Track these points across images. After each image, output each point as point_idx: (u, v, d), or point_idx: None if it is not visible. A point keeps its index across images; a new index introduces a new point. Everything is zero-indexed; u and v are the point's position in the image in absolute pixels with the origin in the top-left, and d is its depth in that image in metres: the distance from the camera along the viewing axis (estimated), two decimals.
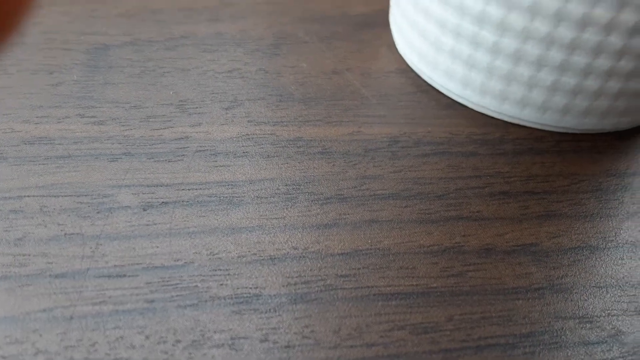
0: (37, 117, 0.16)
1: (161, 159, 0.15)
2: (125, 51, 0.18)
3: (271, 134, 0.16)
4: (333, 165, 0.15)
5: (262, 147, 0.16)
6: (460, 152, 0.16)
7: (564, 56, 0.14)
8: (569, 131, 0.17)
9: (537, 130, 0.17)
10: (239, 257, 0.13)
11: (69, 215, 0.13)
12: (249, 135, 0.16)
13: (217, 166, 0.15)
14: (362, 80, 0.18)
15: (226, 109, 0.17)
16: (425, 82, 0.18)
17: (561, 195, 0.15)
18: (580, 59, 0.14)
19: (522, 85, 0.16)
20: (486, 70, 0.16)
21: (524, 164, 0.16)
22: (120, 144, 0.15)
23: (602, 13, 0.13)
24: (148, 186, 0.14)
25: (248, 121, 0.16)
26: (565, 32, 0.14)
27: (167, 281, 0.12)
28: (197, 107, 0.17)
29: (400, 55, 0.19)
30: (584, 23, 0.14)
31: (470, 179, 0.15)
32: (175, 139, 0.16)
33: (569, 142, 0.17)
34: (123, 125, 0.16)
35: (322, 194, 0.15)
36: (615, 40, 0.14)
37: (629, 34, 0.14)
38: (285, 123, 0.16)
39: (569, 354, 0.12)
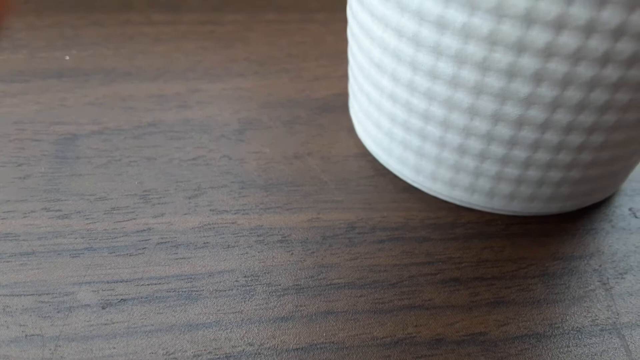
0: (3, 212, 0.16)
1: (122, 253, 0.15)
2: (94, 140, 0.19)
3: (232, 223, 0.17)
4: (292, 254, 0.16)
5: (223, 237, 0.16)
6: (414, 238, 0.17)
7: (505, 150, 0.15)
8: (518, 214, 0.17)
9: (487, 213, 0.18)
10: (194, 356, 0.13)
11: (30, 316, 0.14)
12: (210, 225, 0.16)
13: (177, 259, 0.15)
14: (322, 165, 0.19)
15: (189, 198, 0.17)
16: (383, 165, 0.19)
17: (510, 280, 0.16)
18: (520, 153, 0.15)
19: (469, 174, 0.16)
20: (435, 160, 0.17)
21: (475, 248, 0.16)
22: (83, 238, 0.16)
23: (536, 114, 0.14)
24: (108, 282, 0.15)
25: (210, 210, 0.17)
26: (504, 130, 0.15)
27: None
28: (160, 197, 0.17)
29: (359, 139, 0.20)
30: (520, 122, 0.14)
31: (423, 265, 0.16)
32: (138, 231, 0.16)
33: (518, 224, 0.17)
34: (87, 219, 0.16)
35: (279, 285, 0.15)
36: (552, 137, 0.14)
37: (564, 132, 0.14)
38: (246, 211, 0.17)
39: None
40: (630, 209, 0.18)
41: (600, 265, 0.16)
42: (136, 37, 0.24)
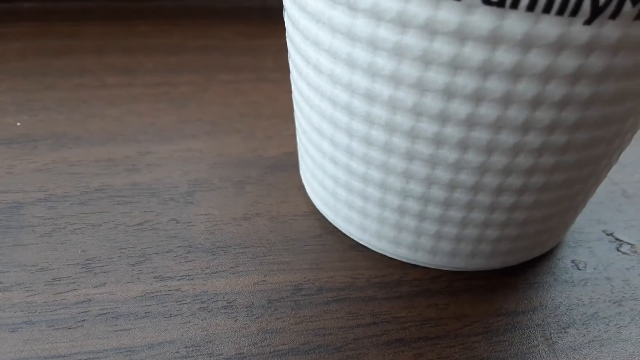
0: None
1: (61, 326, 0.15)
2: (39, 208, 0.19)
3: (176, 290, 0.16)
4: (235, 320, 0.16)
5: (166, 306, 0.16)
6: (360, 298, 0.17)
7: (442, 211, 0.15)
8: (462, 270, 0.17)
9: (432, 269, 0.18)
10: None
11: None
12: (153, 293, 0.16)
13: (117, 330, 0.15)
14: (271, 225, 0.19)
15: (133, 265, 0.17)
16: (331, 223, 0.19)
17: (453, 339, 0.15)
18: (456, 213, 0.15)
19: (411, 233, 0.16)
20: (378, 220, 0.17)
21: (420, 307, 0.16)
22: (23, 311, 0.15)
23: (465, 178, 0.14)
24: (45, 358, 0.14)
25: (154, 277, 0.17)
26: (438, 192, 0.15)
27: None
28: (103, 266, 0.17)
29: (309, 197, 0.20)
30: (452, 186, 0.15)
31: (369, 326, 0.16)
32: (78, 303, 0.16)
33: (462, 280, 0.17)
34: (27, 291, 0.16)
35: (221, 355, 0.15)
36: (484, 198, 0.15)
37: (495, 193, 0.15)
38: (191, 276, 0.17)
39: None
40: (572, 261, 0.18)
41: (543, 320, 0.16)
42: (90, 101, 0.24)
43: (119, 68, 0.27)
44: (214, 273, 0.17)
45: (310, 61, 0.15)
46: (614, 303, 0.17)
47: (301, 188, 0.21)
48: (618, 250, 0.19)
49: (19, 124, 0.22)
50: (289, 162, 0.22)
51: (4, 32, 0.29)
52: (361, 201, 0.17)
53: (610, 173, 0.22)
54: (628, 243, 0.19)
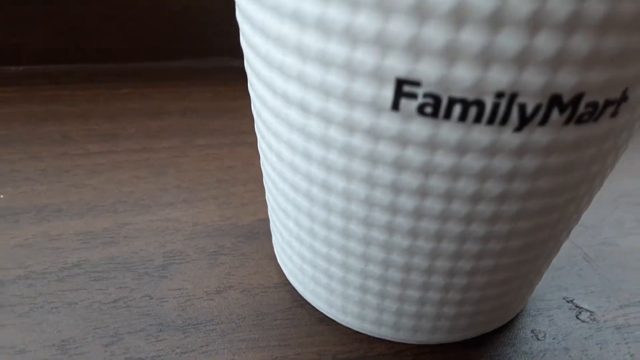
0: None
1: None
2: (19, 286, 0.19)
3: None
4: None
5: None
6: None
7: (400, 290, 0.16)
8: (425, 343, 0.18)
9: (397, 343, 0.18)
10: None
11: None
12: None
13: None
14: (242, 299, 0.20)
15: (106, 345, 0.17)
16: (301, 295, 0.20)
17: None
18: (413, 293, 0.16)
19: (374, 310, 0.17)
20: (342, 297, 0.17)
21: None
22: None
23: (418, 262, 0.15)
24: None
25: (126, 358, 0.17)
26: (395, 274, 0.16)
27: None
28: (78, 347, 0.17)
29: (280, 267, 0.21)
30: (407, 268, 0.15)
31: None
32: None
33: (425, 354, 0.18)
34: None
35: None
36: (437, 280, 0.15)
37: (447, 276, 0.15)
38: (162, 357, 0.17)
39: None
40: (532, 331, 0.19)
41: None
42: (72, 170, 0.25)
43: (101, 134, 0.28)
44: (184, 353, 0.17)
45: (273, 149, 0.16)
46: None
47: (273, 257, 0.21)
48: (577, 318, 0.20)
49: (1, 196, 0.23)
50: (263, 229, 0.23)
51: None
52: (326, 278, 0.17)
53: (573, 236, 0.23)
54: (587, 310, 0.20)
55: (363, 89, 0.12)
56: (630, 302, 0.20)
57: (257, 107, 0.16)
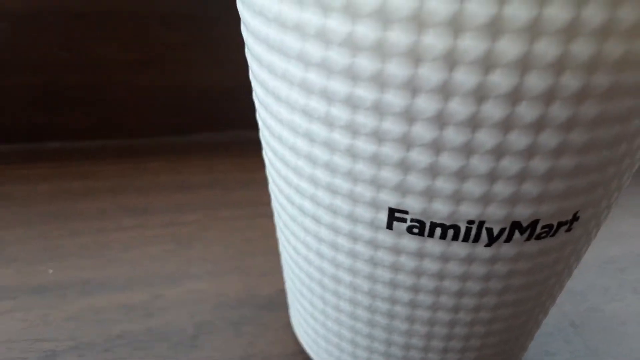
0: None
1: None
2: (70, 356, 0.22)
3: None
4: None
5: None
6: None
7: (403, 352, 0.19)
8: None
9: None
10: None
11: None
12: None
13: None
14: None
15: None
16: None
17: None
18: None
19: None
20: None
21: None
22: None
23: (419, 328, 0.18)
24: None
25: None
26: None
27: None
28: None
29: (295, 335, 0.24)
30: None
31: None
32: None
33: None
34: None
35: None
36: (434, 357, 0.18)
37: (443, 352, 0.18)
38: None
39: None
40: None
41: None
42: (109, 245, 0.28)
43: (133, 208, 0.31)
44: None
45: (297, 247, 0.19)
46: None
47: (290, 326, 0.24)
48: None
49: (50, 271, 0.27)
50: (281, 299, 0.26)
51: (30, 174, 0.34)
52: (337, 351, 0.20)
53: (561, 303, 0.26)
54: None
55: (363, 213, 0.15)
56: None
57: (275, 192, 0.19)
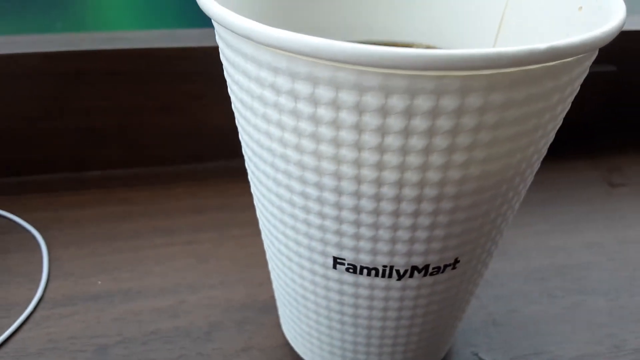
0: None
1: None
2: (118, 348, 0.30)
3: None
4: None
5: None
6: None
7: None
8: None
9: None
10: None
11: None
12: None
13: None
14: (258, 355, 0.30)
15: None
16: (296, 352, 0.30)
17: None
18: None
19: None
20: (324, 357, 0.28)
21: None
22: None
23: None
24: None
25: None
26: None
27: None
28: None
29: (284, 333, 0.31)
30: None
31: None
32: None
33: None
34: None
35: None
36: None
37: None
38: None
39: None
40: None
41: None
42: (143, 260, 0.36)
43: (162, 229, 0.38)
44: None
45: (275, 270, 0.26)
46: None
47: (279, 325, 0.32)
48: None
49: (99, 282, 0.34)
50: (273, 304, 0.33)
51: (77, 199, 0.41)
52: (314, 344, 0.28)
53: (489, 304, 0.33)
54: None
55: (318, 258, 0.22)
56: (518, 355, 0.30)
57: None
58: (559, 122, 0.21)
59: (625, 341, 0.31)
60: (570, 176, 0.47)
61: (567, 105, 0.20)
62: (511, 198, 0.21)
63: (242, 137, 0.22)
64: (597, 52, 0.19)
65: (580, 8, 0.22)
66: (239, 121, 0.21)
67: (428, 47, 0.28)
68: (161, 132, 0.44)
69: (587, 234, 0.40)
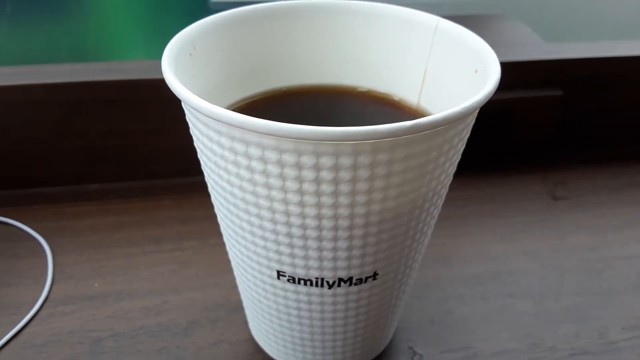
0: None
1: None
2: (109, 341, 0.35)
3: None
4: None
5: None
6: None
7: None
8: None
9: None
10: None
11: None
12: None
13: None
14: (228, 348, 0.35)
15: None
16: (261, 348, 0.35)
17: None
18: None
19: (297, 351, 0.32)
20: (280, 345, 0.33)
21: None
22: None
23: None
24: None
25: None
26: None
27: None
28: None
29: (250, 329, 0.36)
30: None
31: None
32: None
33: None
34: None
35: None
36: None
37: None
38: None
39: None
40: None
41: None
42: (135, 266, 0.41)
43: (152, 238, 0.44)
44: None
45: (237, 270, 0.31)
46: None
47: (246, 322, 0.37)
48: (412, 358, 0.34)
49: (96, 284, 0.39)
50: (241, 304, 0.38)
51: (78, 210, 0.46)
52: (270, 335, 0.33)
53: (426, 306, 0.38)
54: (419, 354, 0.35)
55: (266, 270, 0.27)
56: (447, 349, 0.35)
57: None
58: (456, 159, 0.26)
59: (542, 340, 0.36)
60: (518, 190, 0.52)
61: (462, 145, 0.25)
62: (422, 224, 0.26)
63: (205, 169, 0.27)
64: (477, 111, 0.24)
65: (476, 71, 0.27)
66: (205, 163, 0.26)
67: (369, 91, 0.33)
68: (152, 150, 0.49)
69: (525, 242, 0.45)
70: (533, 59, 0.51)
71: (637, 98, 0.55)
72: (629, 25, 0.75)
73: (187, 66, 0.26)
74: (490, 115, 0.52)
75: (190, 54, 0.27)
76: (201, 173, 0.27)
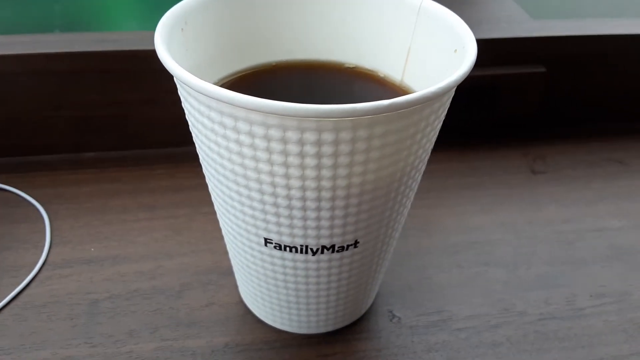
0: (67, 341, 0.34)
1: None
2: (106, 302, 0.37)
3: (178, 341, 0.34)
4: None
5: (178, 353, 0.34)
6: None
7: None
8: (306, 333, 0.35)
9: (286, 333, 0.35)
10: None
11: None
12: (161, 348, 0.34)
13: None
14: (219, 309, 0.37)
15: (151, 333, 0.35)
16: (249, 309, 0.37)
17: None
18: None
19: (283, 313, 0.34)
20: (267, 307, 0.34)
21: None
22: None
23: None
24: None
25: (161, 339, 0.34)
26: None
27: None
28: (138, 331, 0.35)
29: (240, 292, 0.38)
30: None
31: None
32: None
33: (309, 342, 0.35)
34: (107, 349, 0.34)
35: None
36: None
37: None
38: (177, 339, 0.35)
39: None
40: (369, 324, 0.36)
41: None
42: (130, 232, 0.42)
43: (145, 205, 0.45)
44: (188, 338, 0.35)
45: (228, 238, 0.33)
46: (377, 351, 0.34)
47: (237, 286, 0.38)
48: (391, 321, 0.36)
49: (92, 249, 0.41)
50: (232, 269, 0.40)
51: (75, 178, 0.47)
52: (258, 298, 0.34)
53: (405, 273, 0.40)
54: (397, 316, 0.37)
55: (254, 238, 0.29)
56: (423, 313, 0.37)
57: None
58: (433, 135, 0.27)
59: (513, 305, 0.38)
60: (500, 164, 0.53)
61: (439, 123, 0.26)
62: (401, 196, 0.27)
63: (196, 141, 0.28)
64: (454, 90, 0.25)
65: (456, 50, 0.28)
66: (196, 136, 0.27)
67: (356, 67, 0.34)
68: (146, 120, 0.50)
69: (503, 214, 0.47)
70: (517, 36, 0.52)
71: (618, 76, 0.56)
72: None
73: (180, 41, 0.27)
74: (474, 91, 0.53)
75: (182, 29, 0.28)
76: (193, 144, 0.29)
